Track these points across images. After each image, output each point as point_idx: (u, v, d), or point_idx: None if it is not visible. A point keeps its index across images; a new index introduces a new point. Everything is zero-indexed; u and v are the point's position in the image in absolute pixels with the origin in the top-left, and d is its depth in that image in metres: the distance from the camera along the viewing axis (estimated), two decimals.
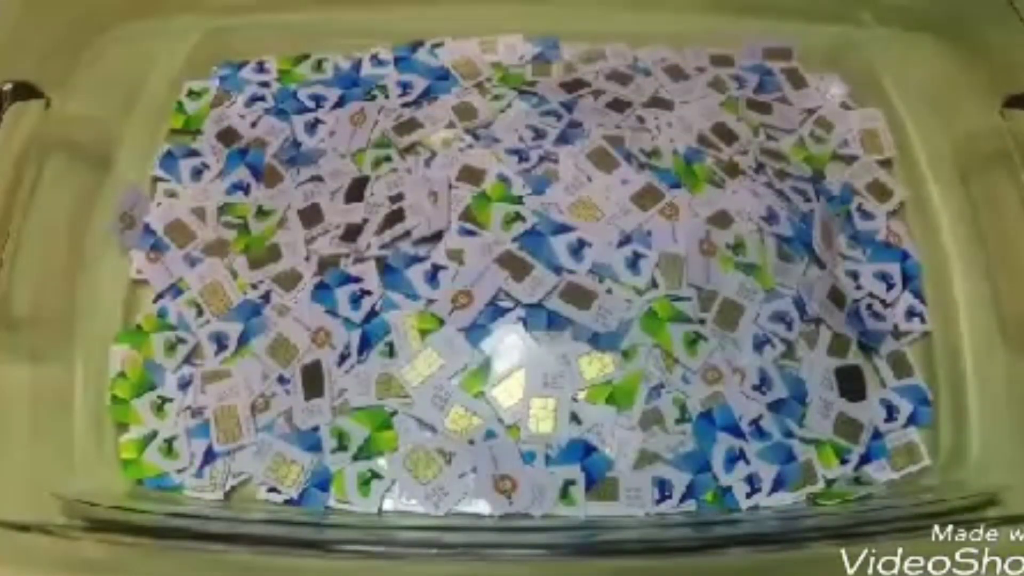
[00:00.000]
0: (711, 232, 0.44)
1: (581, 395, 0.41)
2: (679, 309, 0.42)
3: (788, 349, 0.43)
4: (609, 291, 0.42)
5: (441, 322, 0.42)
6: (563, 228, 0.43)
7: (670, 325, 0.42)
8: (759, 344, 0.42)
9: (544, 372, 0.41)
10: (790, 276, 0.44)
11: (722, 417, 0.41)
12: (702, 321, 0.42)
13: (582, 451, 0.40)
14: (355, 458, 0.40)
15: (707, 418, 0.41)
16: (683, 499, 0.40)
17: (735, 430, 0.40)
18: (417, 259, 0.43)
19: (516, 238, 0.43)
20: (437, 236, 0.43)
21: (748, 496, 0.40)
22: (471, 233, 0.43)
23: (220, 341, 0.43)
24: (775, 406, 0.41)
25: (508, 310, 0.42)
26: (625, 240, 0.43)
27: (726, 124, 0.48)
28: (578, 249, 0.43)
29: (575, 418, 0.40)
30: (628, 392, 0.41)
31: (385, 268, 0.43)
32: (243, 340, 0.43)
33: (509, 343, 0.41)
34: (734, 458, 0.40)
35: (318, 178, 0.47)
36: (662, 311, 0.42)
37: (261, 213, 0.46)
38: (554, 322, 0.42)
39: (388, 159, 0.47)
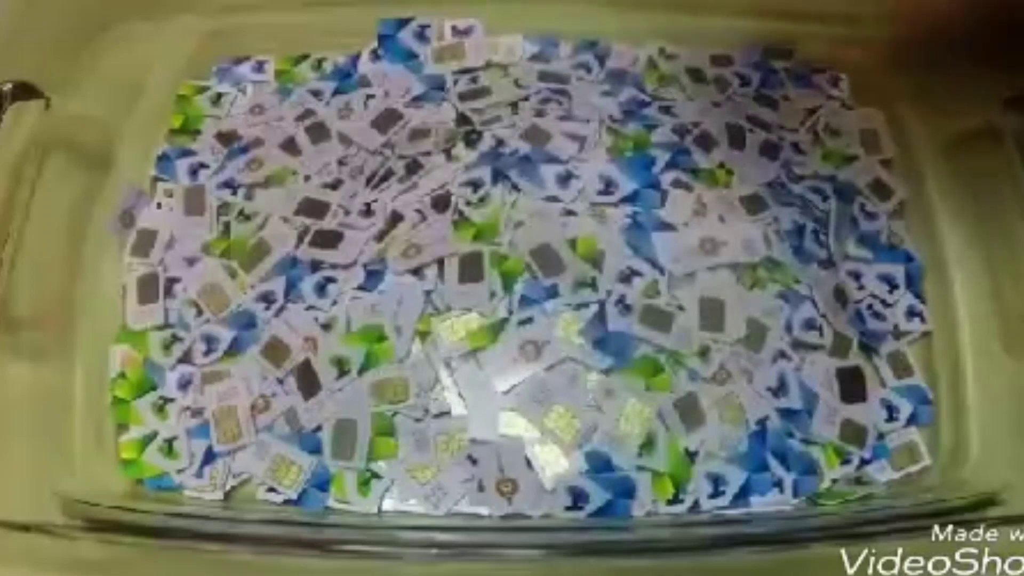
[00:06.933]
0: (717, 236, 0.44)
1: (588, 401, 0.41)
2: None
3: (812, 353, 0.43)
4: (619, 297, 0.42)
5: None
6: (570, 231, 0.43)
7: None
8: (779, 353, 0.42)
9: (550, 387, 0.41)
10: (808, 277, 0.44)
11: (775, 439, 0.40)
12: (718, 328, 0.42)
13: (594, 462, 0.40)
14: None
15: (760, 436, 0.40)
16: (693, 507, 0.40)
17: (783, 457, 0.40)
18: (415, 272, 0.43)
19: (522, 246, 0.43)
20: (438, 247, 0.43)
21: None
22: (474, 241, 0.43)
23: (210, 344, 0.43)
24: (785, 413, 0.41)
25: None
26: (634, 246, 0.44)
27: (730, 123, 0.48)
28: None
29: (583, 430, 0.40)
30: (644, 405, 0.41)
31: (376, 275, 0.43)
32: (235, 346, 0.43)
33: (517, 362, 0.41)
34: (773, 484, 0.40)
35: (317, 179, 0.47)
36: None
37: (259, 213, 0.46)
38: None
39: (386, 164, 0.47)
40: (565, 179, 0.45)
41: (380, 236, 0.44)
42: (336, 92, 0.50)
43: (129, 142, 0.47)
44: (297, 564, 0.35)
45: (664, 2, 0.51)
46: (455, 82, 0.50)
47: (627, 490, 0.39)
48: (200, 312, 0.44)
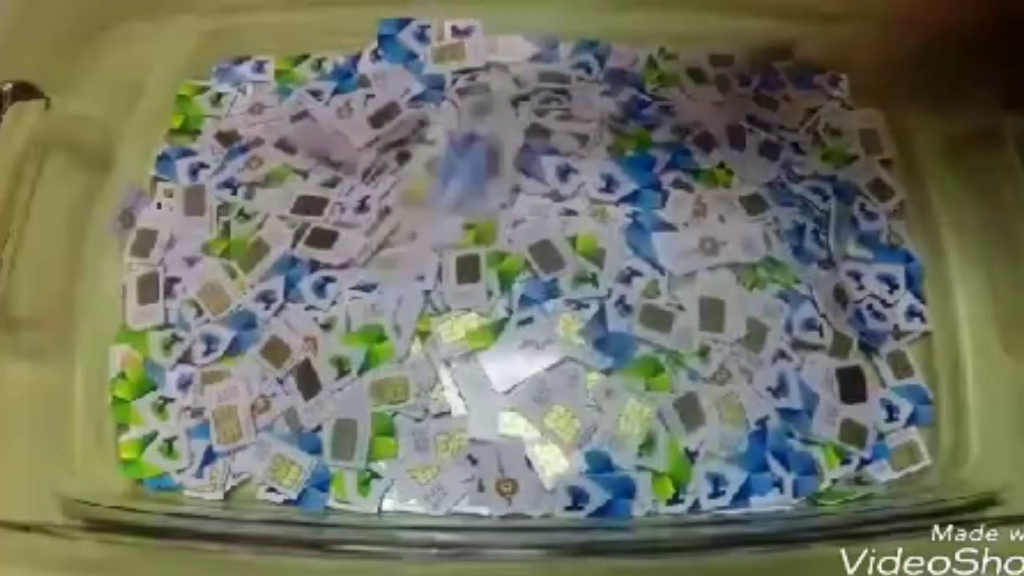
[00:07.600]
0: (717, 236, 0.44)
1: (588, 401, 0.41)
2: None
3: (812, 353, 0.43)
4: (619, 297, 0.42)
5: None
6: (571, 229, 0.43)
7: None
8: (779, 353, 0.42)
9: (550, 387, 0.41)
10: (808, 277, 0.44)
11: (775, 439, 0.40)
12: (718, 328, 0.42)
13: (594, 462, 0.40)
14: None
15: (760, 436, 0.40)
16: (693, 507, 0.40)
17: (783, 458, 0.40)
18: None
19: (521, 243, 0.43)
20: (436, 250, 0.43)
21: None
22: (471, 244, 0.43)
23: (210, 344, 0.43)
24: (785, 413, 0.41)
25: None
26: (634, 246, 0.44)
27: (730, 123, 0.48)
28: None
29: (583, 430, 0.40)
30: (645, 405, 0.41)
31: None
32: (235, 346, 0.43)
33: (517, 362, 0.41)
34: (773, 484, 0.40)
35: (316, 178, 0.47)
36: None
37: (259, 213, 0.46)
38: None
39: (385, 165, 0.47)
40: (565, 173, 0.45)
41: (374, 238, 0.44)
42: (336, 92, 0.50)
43: (129, 142, 0.47)
44: (297, 564, 0.35)
45: (664, 2, 0.51)
46: (455, 82, 0.50)
47: (627, 490, 0.39)
48: (200, 312, 0.44)
